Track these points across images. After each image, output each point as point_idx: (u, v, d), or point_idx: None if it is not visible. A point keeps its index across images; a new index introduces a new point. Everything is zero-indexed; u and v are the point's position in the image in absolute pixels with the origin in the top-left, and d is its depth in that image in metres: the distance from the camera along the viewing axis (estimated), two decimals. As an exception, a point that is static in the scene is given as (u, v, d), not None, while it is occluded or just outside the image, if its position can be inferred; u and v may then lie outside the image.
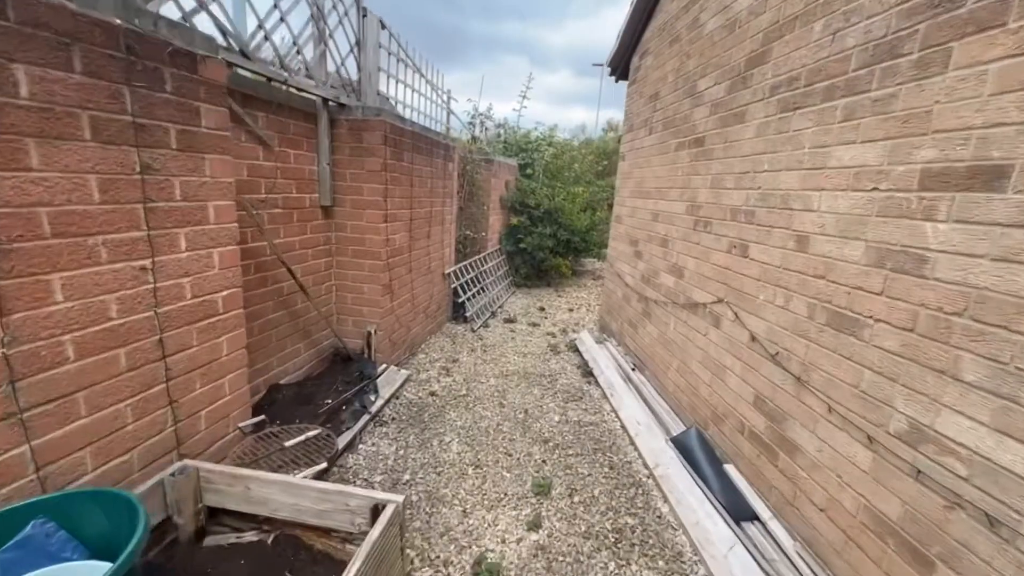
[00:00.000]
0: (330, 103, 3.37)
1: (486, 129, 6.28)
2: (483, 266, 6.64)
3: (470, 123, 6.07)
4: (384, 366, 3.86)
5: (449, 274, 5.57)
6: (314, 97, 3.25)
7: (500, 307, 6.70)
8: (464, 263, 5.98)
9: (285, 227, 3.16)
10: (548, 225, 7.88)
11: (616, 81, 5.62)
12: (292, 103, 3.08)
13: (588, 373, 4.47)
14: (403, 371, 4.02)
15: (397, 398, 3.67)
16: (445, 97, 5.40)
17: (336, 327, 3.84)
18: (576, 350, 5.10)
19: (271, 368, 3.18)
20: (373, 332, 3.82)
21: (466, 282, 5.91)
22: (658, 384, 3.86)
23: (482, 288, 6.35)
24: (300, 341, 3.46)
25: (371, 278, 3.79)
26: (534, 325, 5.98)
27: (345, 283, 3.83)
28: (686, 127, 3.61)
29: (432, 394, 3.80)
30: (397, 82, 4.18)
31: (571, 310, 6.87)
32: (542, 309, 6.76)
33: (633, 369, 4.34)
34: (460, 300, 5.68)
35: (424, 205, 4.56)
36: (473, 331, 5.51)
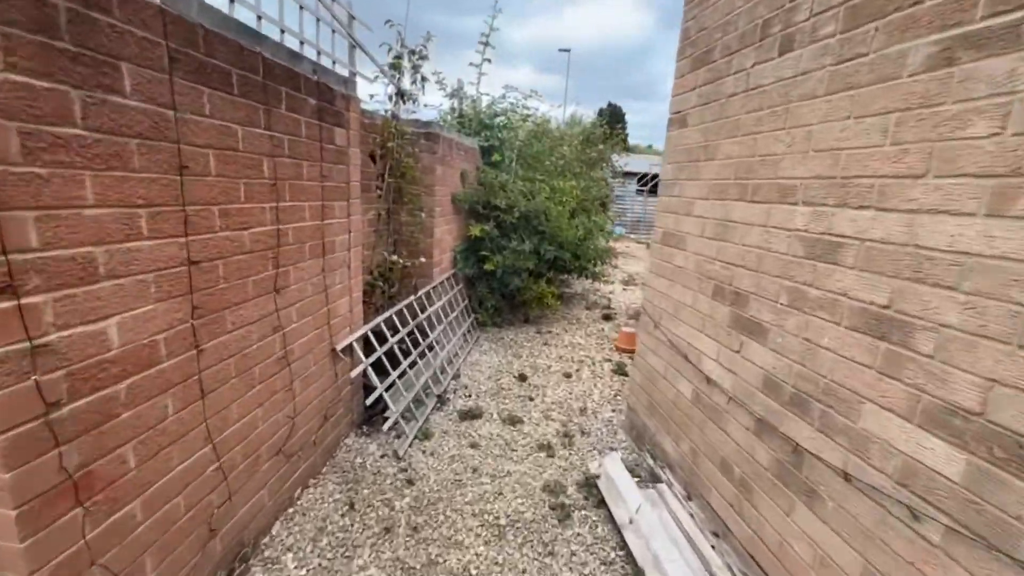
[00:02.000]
0: None
1: (420, 82, 3.64)
2: (424, 311, 4.00)
3: (392, 66, 3.41)
4: None
5: (351, 346, 2.91)
6: None
7: (455, 375, 4.09)
8: (383, 317, 3.33)
9: None
10: (527, 236, 5.32)
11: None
12: None
13: (649, 608, 1.96)
14: None
15: None
16: (346, 17, 2.71)
17: None
18: (601, 502, 2.57)
19: None
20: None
21: (389, 353, 3.26)
22: None
23: (424, 353, 3.71)
24: None
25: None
26: (514, 423, 3.40)
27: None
28: None
29: None
30: None
31: (569, 375, 4.33)
32: (523, 378, 4.19)
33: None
34: (376, 391, 3.02)
35: (252, 217, 1.89)
36: (397, 457, 2.87)
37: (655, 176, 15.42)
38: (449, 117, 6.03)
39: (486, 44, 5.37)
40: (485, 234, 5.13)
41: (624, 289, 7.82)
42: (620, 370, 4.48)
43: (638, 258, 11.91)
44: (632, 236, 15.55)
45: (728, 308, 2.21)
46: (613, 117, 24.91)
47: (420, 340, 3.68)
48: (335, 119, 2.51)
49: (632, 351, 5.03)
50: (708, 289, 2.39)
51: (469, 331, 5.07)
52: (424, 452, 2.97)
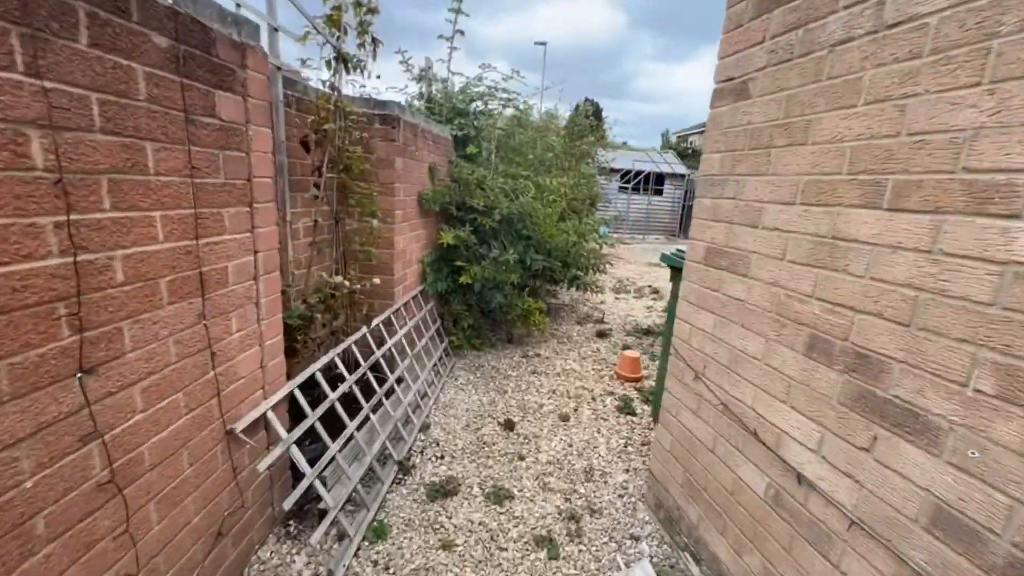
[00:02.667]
0: None
1: (369, 46, 2.68)
2: (382, 344, 3.10)
3: (330, 21, 2.49)
4: None
5: (264, 419, 1.99)
6: None
7: (423, 426, 3.21)
8: (320, 364, 2.41)
9: None
10: (510, 243, 4.47)
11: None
12: None
13: None
14: None
15: None
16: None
17: None
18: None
19: None
20: None
21: (330, 413, 2.34)
22: None
23: (381, 402, 2.80)
24: None
25: None
26: (500, 499, 2.54)
27: None
28: None
29: None
30: None
31: (566, 417, 3.51)
32: (510, 425, 3.33)
33: None
34: (306, 477, 2.11)
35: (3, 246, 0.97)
36: (335, 581, 1.98)
37: (638, 173, 14.80)
38: (417, 103, 5.10)
39: (458, 11, 4.46)
40: (460, 241, 4.25)
41: (616, 298, 7.06)
42: (627, 407, 3.69)
43: (625, 260, 11.21)
44: (616, 236, 14.87)
45: (842, 376, 1.41)
46: (594, 112, 24.32)
47: (376, 385, 2.78)
48: (217, 78, 1.58)
49: (636, 379, 4.25)
50: (796, 340, 1.58)
51: (442, 359, 4.18)
52: (376, 565, 2.08)
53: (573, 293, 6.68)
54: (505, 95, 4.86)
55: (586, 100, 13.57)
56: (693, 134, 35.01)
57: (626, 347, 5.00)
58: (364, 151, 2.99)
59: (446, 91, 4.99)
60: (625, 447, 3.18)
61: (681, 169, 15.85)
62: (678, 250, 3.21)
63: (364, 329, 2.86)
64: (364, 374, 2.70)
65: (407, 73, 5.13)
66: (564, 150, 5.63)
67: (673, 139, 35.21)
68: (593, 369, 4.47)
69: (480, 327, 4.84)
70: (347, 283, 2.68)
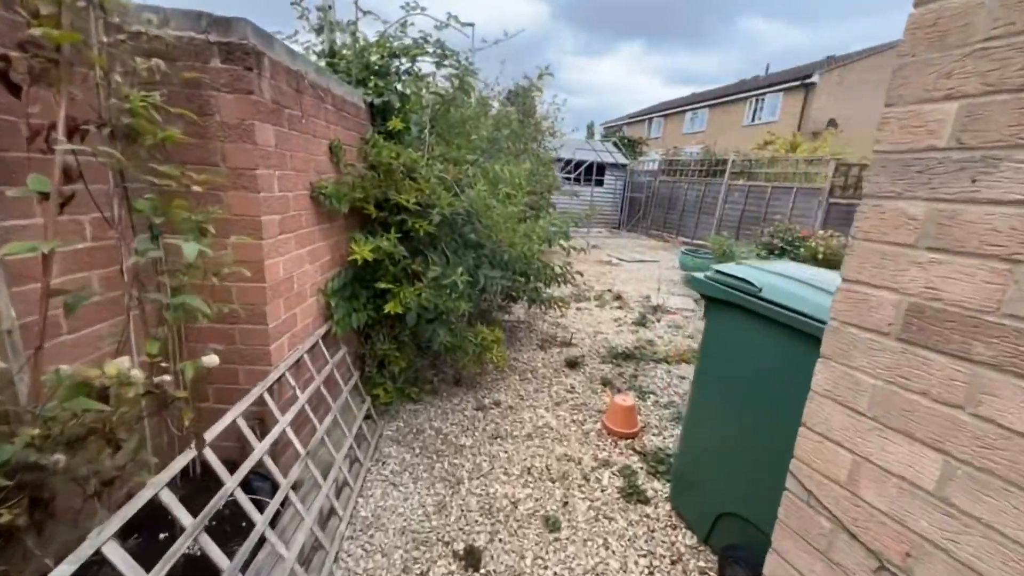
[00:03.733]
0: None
1: None
2: (238, 464, 1.72)
3: None
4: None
5: None
6: None
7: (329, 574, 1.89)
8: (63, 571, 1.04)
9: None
10: (458, 253, 3.22)
11: None
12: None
13: None
14: None
15: None
16: None
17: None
18: None
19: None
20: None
21: None
22: None
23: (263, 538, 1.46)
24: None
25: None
26: None
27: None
28: None
29: None
30: None
31: (555, 524, 2.34)
32: (472, 559, 2.09)
33: None
34: None
35: None
36: None
37: (580, 163, 13.98)
38: (317, 58, 3.62)
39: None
40: (383, 254, 2.91)
41: (578, 308, 6.02)
42: (633, 488, 2.62)
43: (573, 258, 10.29)
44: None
45: None
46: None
47: (254, 512, 1.44)
48: None
49: (633, 436, 3.20)
50: None
51: (364, 433, 2.84)
52: None
53: (528, 310, 5.53)
54: (440, 50, 3.52)
55: (516, 84, 12.40)
56: (624, 124, 35.35)
57: (606, 382, 3.95)
58: (191, 109, 1.57)
59: (356, 43, 3.54)
60: (651, 574, 2.08)
61: (621, 159, 15.30)
62: (719, 271, 2.14)
63: (187, 456, 1.47)
64: (196, 541, 1.34)
65: (301, 21, 3.64)
66: (517, 131, 4.40)
67: (599, 131, 35.27)
68: (573, 421, 3.35)
69: (417, 369, 3.54)
70: (138, 375, 1.28)
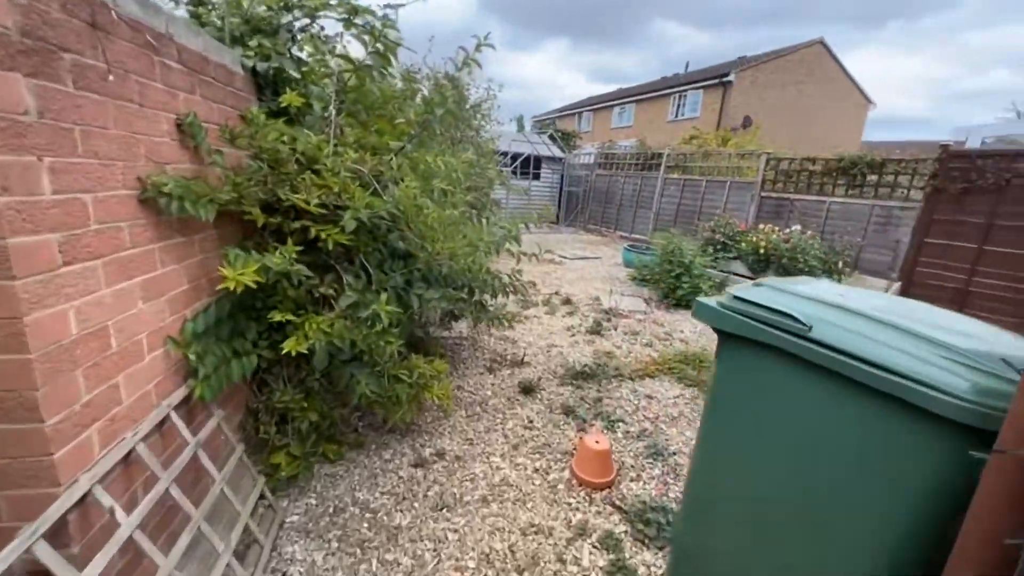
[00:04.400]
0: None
1: None
2: None
3: None
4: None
5: None
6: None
7: None
8: None
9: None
10: (383, 268, 2.46)
11: None
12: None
13: None
14: None
15: None
16: None
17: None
18: None
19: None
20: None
21: None
22: None
23: None
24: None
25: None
26: None
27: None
28: None
29: None
30: None
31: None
32: None
33: None
34: None
35: None
36: None
37: (517, 155, 13.40)
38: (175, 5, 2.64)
39: None
40: (279, 275, 2.08)
41: (526, 317, 5.43)
42: (620, 567, 2.05)
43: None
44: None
45: None
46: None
47: None
48: None
49: (610, 485, 2.65)
50: None
51: (253, 531, 2.01)
52: None
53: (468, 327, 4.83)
54: (349, 4, 2.68)
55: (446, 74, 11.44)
56: (555, 117, 35.37)
57: (568, 410, 3.38)
58: None
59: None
60: None
61: (557, 152, 14.94)
62: (739, 298, 1.60)
63: None
64: None
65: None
66: (455, 111, 3.61)
67: (529, 124, 35.07)
68: (536, 471, 2.73)
69: (333, 420, 2.73)
70: None
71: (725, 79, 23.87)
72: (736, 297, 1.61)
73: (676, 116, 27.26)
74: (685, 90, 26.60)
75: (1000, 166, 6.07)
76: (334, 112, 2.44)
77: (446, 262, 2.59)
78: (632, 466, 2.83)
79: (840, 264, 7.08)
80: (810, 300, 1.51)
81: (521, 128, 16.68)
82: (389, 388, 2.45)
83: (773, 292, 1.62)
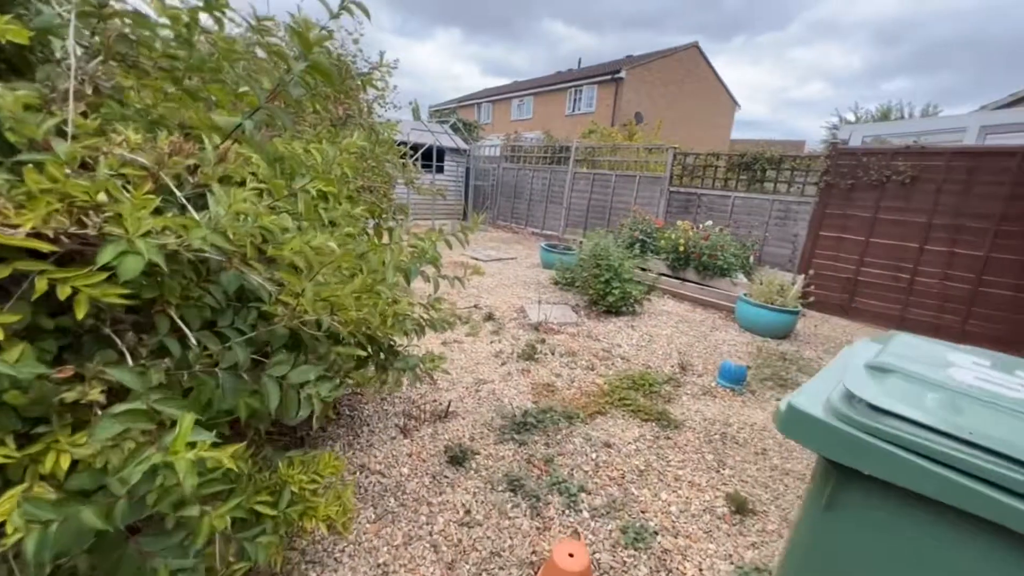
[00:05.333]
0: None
1: None
2: None
3: None
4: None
5: None
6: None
7: None
8: None
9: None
10: (227, 323, 1.38)
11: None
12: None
13: None
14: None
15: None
16: None
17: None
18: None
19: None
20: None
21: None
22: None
23: None
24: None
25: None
26: None
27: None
28: None
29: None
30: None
31: None
32: None
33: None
34: None
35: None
36: None
37: (418, 146, 12.16)
38: None
39: None
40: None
41: (443, 343, 4.47)
42: None
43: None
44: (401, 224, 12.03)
45: None
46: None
47: None
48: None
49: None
50: None
51: None
52: None
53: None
54: None
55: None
56: (454, 108, 34.08)
57: (515, 484, 2.55)
58: None
59: None
60: None
61: (461, 143, 13.95)
62: (875, 408, 0.88)
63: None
64: None
65: None
66: (324, 72, 2.46)
67: (426, 114, 33.55)
68: (487, 608, 1.87)
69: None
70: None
71: (617, 75, 24.70)
72: (873, 408, 0.89)
73: (573, 110, 27.73)
74: (581, 85, 27.13)
75: (882, 163, 6.50)
76: (74, 50, 1.27)
77: (331, 320, 1.58)
78: (612, 567, 2.10)
79: (751, 259, 7.20)
80: (985, 403, 0.84)
81: (418, 116, 15.40)
82: (229, 551, 1.39)
83: (918, 387, 0.94)
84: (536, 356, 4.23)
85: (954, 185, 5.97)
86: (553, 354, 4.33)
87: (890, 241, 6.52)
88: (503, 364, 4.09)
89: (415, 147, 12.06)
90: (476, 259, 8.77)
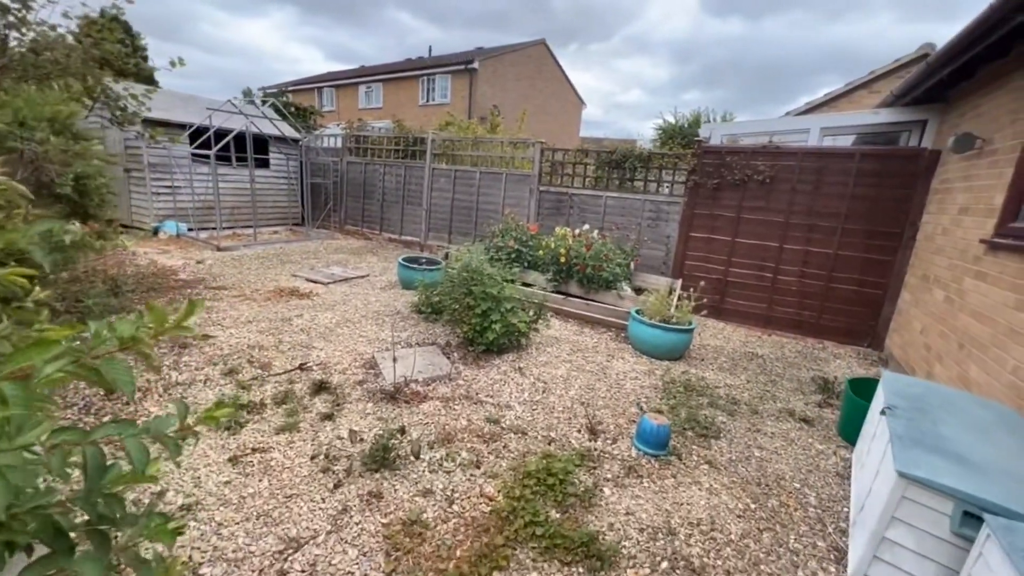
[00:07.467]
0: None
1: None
2: None
3: None
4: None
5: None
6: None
7: None
8: None
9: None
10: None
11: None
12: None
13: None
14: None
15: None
16: None
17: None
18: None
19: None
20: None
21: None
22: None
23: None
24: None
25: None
26: None
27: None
28: None
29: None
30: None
31: None
32: None
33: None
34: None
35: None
36: None
37: (225, 133, 9.32)
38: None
39: None
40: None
41: (232, 459, 2.70)
42: None
43: (229, 289, 6.22)
44: (200, 238, 9.05)
45: None
46: (125, 31, 14.73)
47: None
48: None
49: None
50: None
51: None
52: None
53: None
54: None
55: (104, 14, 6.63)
56: (289, 91, 29.39)
57: None
58: None
59: None
60: None
61: (292, 132, 11.30)
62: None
63: None
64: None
65: None
66: None
67: (257, 96, 28.52)
68: None
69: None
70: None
71: (470, 66, 23.71)
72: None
73: (427, 100, 26.03)
74: (433, 74, 25.53)
75: (743, 163, 6.44)
76: None
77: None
78: None
79: (631, 267, 6.67)
80: None
81: (249, 101, 12.21)
82: None
83: None
84: (392, 460, 2.75)
85: (806, 185, 6.11)
86: (419, 451, 2.89)
87: (754, 241, 6.53)
88: (336, 487, 2.53)
89: (219, 134, 9.24)
90: (313, 281, 6.77)
